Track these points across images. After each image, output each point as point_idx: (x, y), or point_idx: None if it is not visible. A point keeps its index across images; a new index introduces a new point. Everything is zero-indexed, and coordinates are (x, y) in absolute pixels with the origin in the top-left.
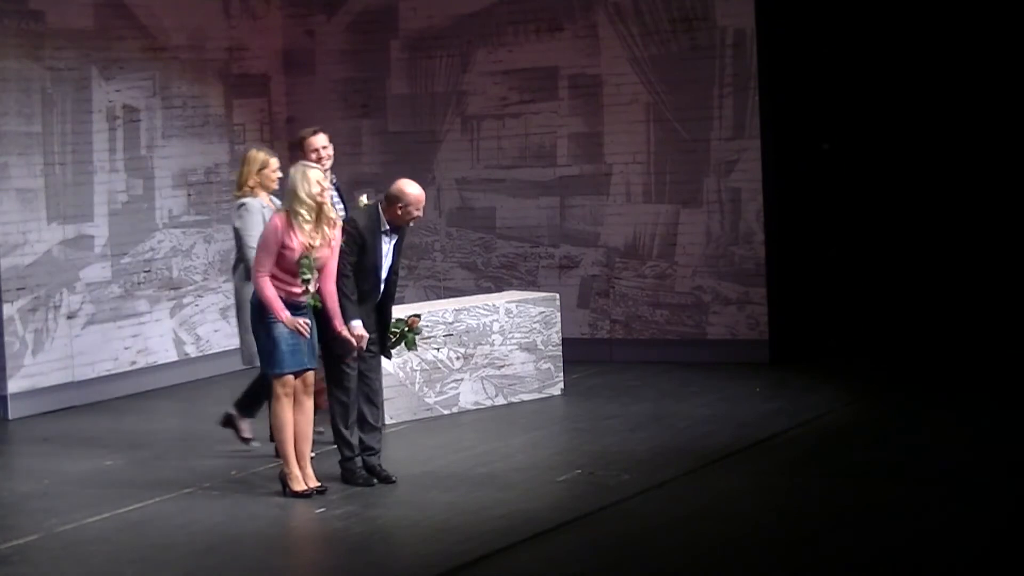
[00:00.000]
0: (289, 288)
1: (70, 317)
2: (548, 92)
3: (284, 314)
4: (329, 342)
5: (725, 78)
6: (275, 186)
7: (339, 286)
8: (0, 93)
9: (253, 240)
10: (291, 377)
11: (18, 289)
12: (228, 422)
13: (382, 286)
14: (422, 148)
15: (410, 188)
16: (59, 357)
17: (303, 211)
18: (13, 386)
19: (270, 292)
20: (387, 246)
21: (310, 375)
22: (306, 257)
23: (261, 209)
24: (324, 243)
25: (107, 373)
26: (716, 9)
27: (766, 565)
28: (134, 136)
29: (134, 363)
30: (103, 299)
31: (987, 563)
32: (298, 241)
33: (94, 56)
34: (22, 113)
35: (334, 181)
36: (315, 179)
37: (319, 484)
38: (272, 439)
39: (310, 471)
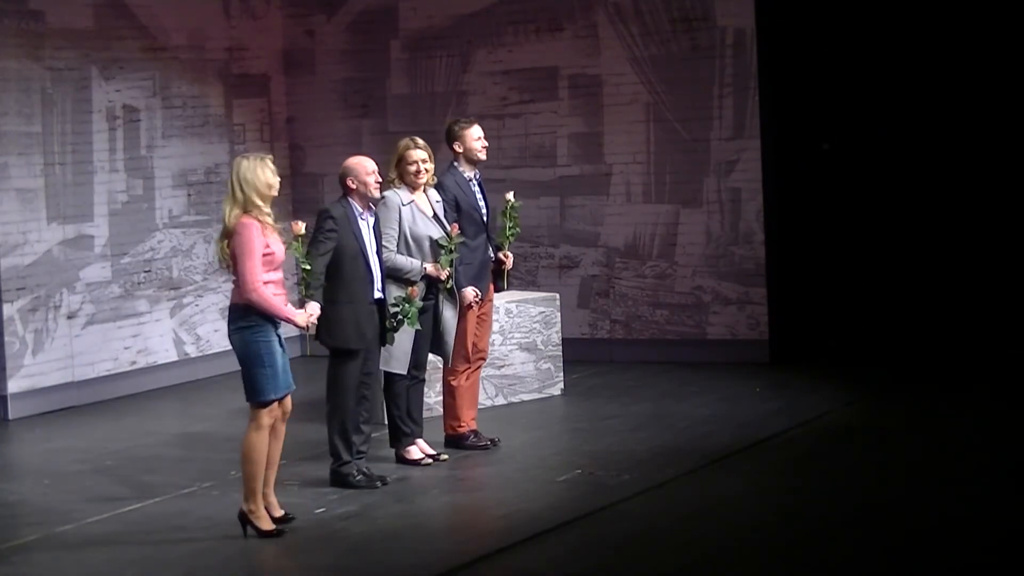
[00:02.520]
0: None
1: (70, 317)
2: (548, 92)
3: (295, 312)
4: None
5: (725, 78)
6: (419, 180)
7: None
8: (0, 93)
9: (386, 239)
10: (277, 405)
11: (18, 289)
12: (401, 459)
13: (377, 272)
14: None
15: (364, 161)
16: (59, 357)
17: (262, 204)
18: (13, 386)
19: (272, 298)
20: (367, 229)
21: (288, 400)
22: (293, 246)
23: (400, 205)
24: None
25: (107, 373)
26: (716, 9)
27: (766, 565)
28: (134, 136)
29: (134, 363)
30: (103, 299)
31: (987, 563)
32: (275, 238)
33: (94, 56)
34: (22, 113)
35: (478, 177)
36: (270, 171)
37: (284, 513)
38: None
39: (273, 499)
